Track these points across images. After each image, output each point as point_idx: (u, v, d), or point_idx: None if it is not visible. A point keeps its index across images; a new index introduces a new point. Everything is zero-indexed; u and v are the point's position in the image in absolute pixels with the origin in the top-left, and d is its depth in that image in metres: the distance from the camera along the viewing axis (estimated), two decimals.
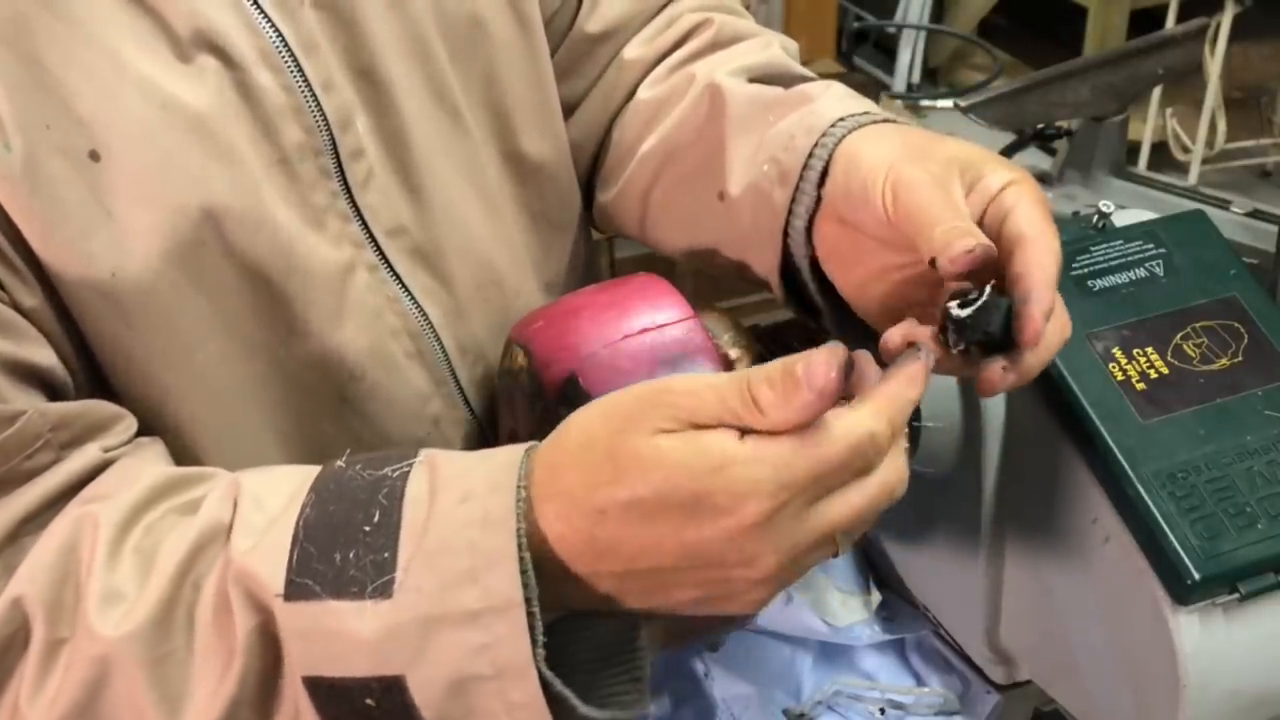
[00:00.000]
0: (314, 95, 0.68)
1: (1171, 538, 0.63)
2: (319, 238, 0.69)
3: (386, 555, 0.54)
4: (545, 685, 0.53)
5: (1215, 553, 0.63)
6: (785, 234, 0.72)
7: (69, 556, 0.58)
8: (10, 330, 0.60)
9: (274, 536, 0.56)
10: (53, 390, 0.63)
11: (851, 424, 0.52)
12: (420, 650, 0.53)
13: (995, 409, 0.74)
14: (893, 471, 0.54)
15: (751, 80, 0.78)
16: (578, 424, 0.55)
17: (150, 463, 0.64)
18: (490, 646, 0.53)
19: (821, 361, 0.50)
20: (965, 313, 0.57)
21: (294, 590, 0.55)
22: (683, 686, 0.88)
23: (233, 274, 0.66)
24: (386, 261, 0.73)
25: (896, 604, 0.90)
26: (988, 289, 0.57)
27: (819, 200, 0.69)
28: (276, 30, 0.66)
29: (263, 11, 0.66)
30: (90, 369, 0.65)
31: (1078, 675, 0.74)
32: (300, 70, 0.67)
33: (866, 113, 0.71)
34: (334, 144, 0.69)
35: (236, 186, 0.65)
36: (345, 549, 0.55)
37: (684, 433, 0.52)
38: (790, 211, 0.70)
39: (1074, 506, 0.69)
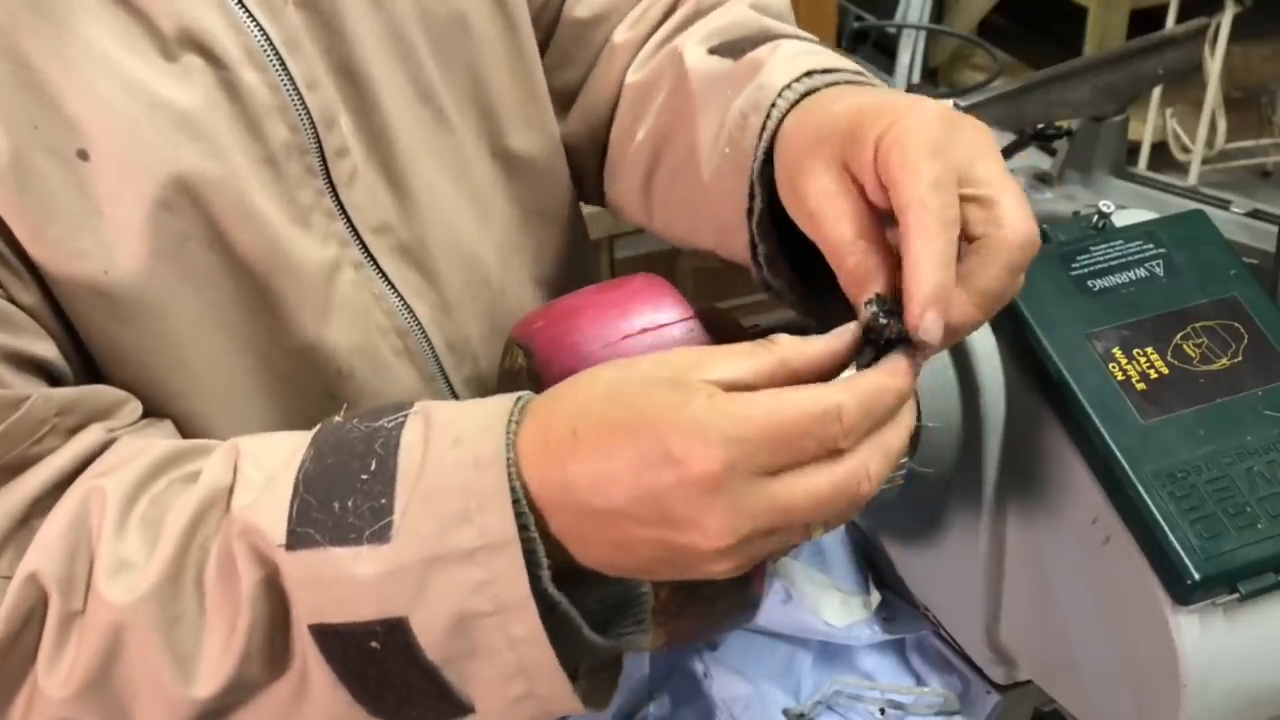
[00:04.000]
0: (299, 94, 0.68)
1: (1171, 538, 0.63)
2: (305, 235, 0.69)
3: (384, 501, 0.55)
4: (550, 610, 0.54)
5: (1215, 553, 0.63)
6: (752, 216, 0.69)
7: (79, 530, 0.58)
8: (9, 324, 0.61)
9: (274, 491, 0.57)
10: (54, 382, 0.63)
11: (818, 394, 0.51)
12: (420, 590, 0.54)
13: (995, 409, 0.73)
14: (864, 464, 0.51)
15: (712, 51, 0.75)
16: (582, 380, 0.56)
17: (154, 437, 0.64)
18: (489, 583, 0.54)
19: None
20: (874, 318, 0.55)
21: (295, 540, 0.55)
22: (682, 686, 0.88)
23: (221, 270, 0.66)
24: (372, 259, 0.73)
25: (896, 604, 0.90)
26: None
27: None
28: (261, 29, 0.66)
29: (247, 10, 0.66)
30: (86, 366, 0.65)
31: (1078, 675, 0.74)
32: (285, 69, 0.67)
33: (808, 73, 0.67)
34: (319, 142, 0.69)
35: (224, 183, 0.65)
36: (344, 497, 0.56)
37: (675, 377, 0.52)
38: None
39: (1074, 506, 0.69)
